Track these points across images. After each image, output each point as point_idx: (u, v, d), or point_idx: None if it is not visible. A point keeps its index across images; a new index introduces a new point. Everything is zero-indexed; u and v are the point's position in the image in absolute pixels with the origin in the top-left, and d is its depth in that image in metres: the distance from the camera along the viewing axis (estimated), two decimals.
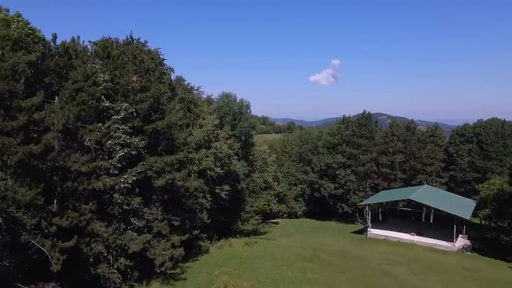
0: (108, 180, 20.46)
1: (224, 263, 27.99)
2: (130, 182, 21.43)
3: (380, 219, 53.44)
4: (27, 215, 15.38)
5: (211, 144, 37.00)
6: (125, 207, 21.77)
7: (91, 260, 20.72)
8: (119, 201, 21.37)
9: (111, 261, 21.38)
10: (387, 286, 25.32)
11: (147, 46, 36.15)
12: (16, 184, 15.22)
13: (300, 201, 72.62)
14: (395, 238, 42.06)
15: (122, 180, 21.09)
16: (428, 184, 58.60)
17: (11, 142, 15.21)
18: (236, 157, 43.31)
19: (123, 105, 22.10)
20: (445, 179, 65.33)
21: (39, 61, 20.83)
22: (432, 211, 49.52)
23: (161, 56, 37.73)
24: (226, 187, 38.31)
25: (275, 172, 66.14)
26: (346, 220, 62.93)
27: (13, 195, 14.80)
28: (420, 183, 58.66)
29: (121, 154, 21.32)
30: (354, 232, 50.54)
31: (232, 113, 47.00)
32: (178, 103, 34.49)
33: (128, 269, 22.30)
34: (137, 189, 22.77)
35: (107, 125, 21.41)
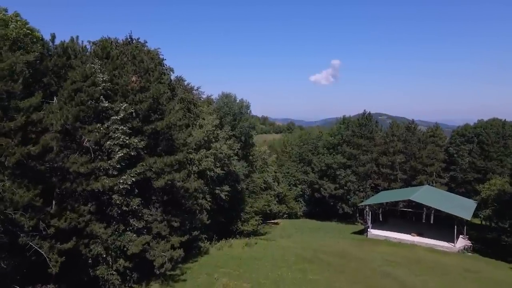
0: (107, 181, 20.30)
1: (224, 264, 27.88)
2: (129, 183, 21.30)
3: (381, 219, 53.37)
4: (24, 217, 15.23)
5: (211, 144, 36.87)
6: (124, 208, 21.64)
7: (90, 261, 20.57)
8: (118, 202, 21.23)
9: (110, 263, 21.25)
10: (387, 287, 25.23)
11: (147, 46, 36.04)
12: (14, 186, 15.06)
13: (300, 201, 72.51)
14: (395, 238, 41.96)
15: (121, 181, 20.96)
16: (429, 184, 58.49)
17: (9, 143, 15.07)
18: (236, 157, 43.18)
19: (122, 106, 21.96)
20: (445, 179, 65.21)
21: (38, 61, 20.67)
22: (433, 211, 49.45)
23: (161, 56, 37.65)
24: (226, 188, 38.16)
25: (275, 172, 66.01)
26: (347, 220, 62.83)
27: (10, 197, 14.65)
28: (421, 184, 58.54)
29: (120, 154, 21.18)
30: (355, 233, 50.44)
31: (232, 113, 46.88)
32: (177, 103, 34.35)
33: (127, 271, 22.17)
34: (136, 190, 22.64)
35: (106, 125, 21.27)
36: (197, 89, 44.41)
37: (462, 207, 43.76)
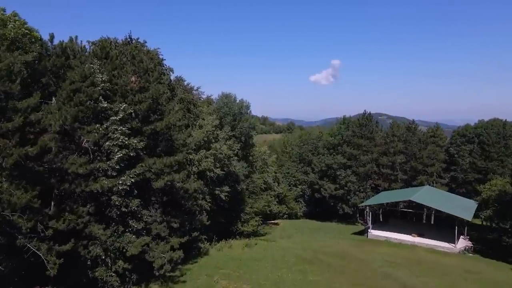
0: (106, 182, 20.16)
1: (224, 265, 27.75)
2: (128, 184, 21.15)
3: (381, 220, 53.25)
4: (22, 218, 15.10)
5: (211, 145, 36.73)
6: (124, 209, 21.48)
7: (88, 263, 20.44)
8: (117, 203, 21.08)
9: (109, 264, 21.12)
10: None
11: (146, 46, 35.88)
12: (12, 187, 14.93)
13: (300, 201, 72.37)
14: (396, 239, 41.84)
15: (120, 182, 20.80)
16: (429, 185, 58.40)
17: (7, 144, 14.93)
18: (236, 158, 43.06)
19: (121, 106, 21.81)
20: (446, 180, 65.10)
21: (36, 62, 20.54)
22: (433, 212, 49.33)
23: (161, 56, 37.50)
24: (226, 188, 38.01)
25: (275, 172, 65.87)
26: (347, 221, 62.70)
27: (8, 198, 14.52)
28: (421, 184, 58.44)
29: (119, 155, 21.03)
30: (355, 233, 50.31)
31: (232, 113, 46.74)
32: (177, 103, 34.21)
33: (127, 272, 22.00)
34: (135, 191, 22.47)
35: (105, 126, 21.11)
36: (197, 89, 44.35)
37: (463, 208, 43.63)
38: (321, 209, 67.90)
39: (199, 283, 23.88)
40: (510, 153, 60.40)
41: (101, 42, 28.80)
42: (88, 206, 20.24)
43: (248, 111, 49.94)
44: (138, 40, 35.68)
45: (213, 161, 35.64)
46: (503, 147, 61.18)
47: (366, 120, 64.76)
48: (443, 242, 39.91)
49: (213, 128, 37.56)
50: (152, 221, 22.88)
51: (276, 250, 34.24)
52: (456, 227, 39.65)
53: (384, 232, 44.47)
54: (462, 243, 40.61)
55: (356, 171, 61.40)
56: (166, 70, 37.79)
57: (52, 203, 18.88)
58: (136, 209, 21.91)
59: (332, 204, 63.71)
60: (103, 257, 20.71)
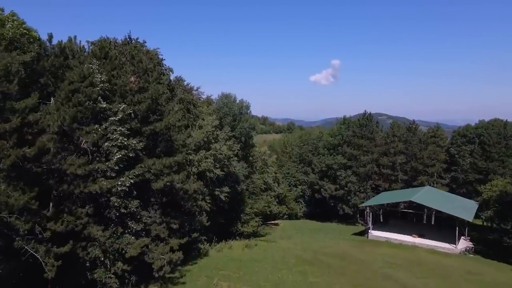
0: (105, 183, 20.04)
1: (224, 266, 27.59)
2: (127, 185, 21.03)
3: (381, 220, 53.09)
4: (20, 220, 14.96)
5: (211, 145, 36.60)
6: (123, 210, 21.37)
7: (87, 265, 20.38)
8: (116, 204, 20.96)
9: (108, 266, 21.04)
10: None
11: (146, 46, 35.80)
12: (9, 188, 14.78)
13: (301, 202, 72.28)
14: (396, 240, 41.66)
15: (119, 183, 20.69)
16: (430, 185, 58.24)
17: (4, 144, 14.78)
18: (236, 158, 42.95)
19: (120, 106, 21.68)
20: (446, 180, 64.96)
21: (35, 62, 20.39)
22: (434, 212, 49.17)
23: (160, 56, 37.42)
24: (226, 189, 37.90)
25: (275, 173, 65.79)
26: (347, 221, 62.58)
27: (5, 200, 14.38)
28: (422, 184, 58.29)
29: (118, 156, 20.91)
30: (355, 234, 50.15)
31: (232, 114, 46.63)
32: (177, 104, 34.10)
33: (126, 274, 21.91)
34: (135, 192, 22.36)
35: (104, 126, 21.00)
36: (196, 90, 44.25)
37: (464, 208, 43.47)
38: (321, 209, 67.78)
39: (199, 285, 23.71)
40: (511, 153, 60.25)
41: (100, 42, 28.67)
42: (87, 207, 20.13)
43: (248, 111, 49.88)
44: (138, 40, 35.60)
45: (213, 161, 35.52)
46: (504, 147, 61.04)
47: (366, 120, 64.61)
48: (443, 243, 39.75)
49: (213, 129, 37.44)
50: (151, 222, 22.75)
51: (276, 251, 34.08)
52: (457, 227, 39.46)
53: (385, 232, 44.30)
54: (463, 243, 40.43)
55: (357, 172, 61.25)
56: (165, 70, 37.70)
57: (51, 204, 18.75)
58: (135, 210, 21.79)
59: (332, 204, 63.58)
60: (102, 258, 20.63)
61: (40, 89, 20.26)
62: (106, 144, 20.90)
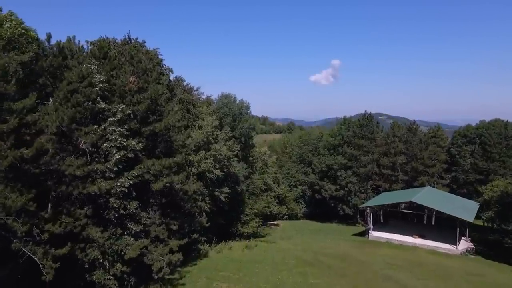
0: (104, 184, 19.88)
1: (224, 267, 27.47)
2: (126, 185, 20.86)
3: (382, 221, 52.94)
4: (17, 222, 14.80)
5: (211, 146, 36.46)
6: (122, 211, 21.18)
7: (86, 266, 20.21)
8: (115, 205, 20.77)
9: (107, 267, 20.87)
10: None
11: (145, 46, 35.66)
12: (7, 190, 14.64)
13: (301, 202, 72.13)
14: (397, 240, 41.52)
15: (118, 184, 20.51)
16: (430, 185, 58.11)
17: (1, 145, 14.64)
18: (235, 158, 42.79)
19: (119, 107, 21.52)
20: (447, 180, 64.84)
21: (33, 62, 20.23)
22: (434, 213, 49.00)
23: (160, 56, 37.28)
24: (226, 190, 37.75)
25: (275, 173, 65.65)
26: (347, 222, 62.43)
27: (3, 202, 14.23)
28: (422, 185, 58.18)
29: (117, 157, 20.74)
30: (355, 235, 50.00)
31: (231, 114, 46.49)
32: (176, 104, 33.95)
33: (125, 275, 21.73)
34: (134, 193, 22.20)
35: (103, 127, 20.82)
36: (196, 90, 44.10)
37: (464, 209, 43.35)
38: (321, 210, 67.62)
39: (199, 286, 23.59)
40: None
41: (99, 42, 28.52)
42: (85, 209, 19.99)
43: (248, 111, 49.73)
44: (137, 40, 35.48)
45: (212, 162, 35.37)
46: (504, 147, 60.90)
47: (366, 121, 64.46)
48: (444, 244, 39.61)
49: (213, 129, 37.29)
50: (150, 223, 22.60)
51: (276, 252, 33.95)
52: (458, 228, 39.33)
53: (385, 233, 44.17)
54: (464, 244, 40.30)
55: (357, 172, 61.10)
56: (165, 70, 37.55)
57: (49, 206, 18.60)
58: (134, 211, 21.62)
59: (332, 205, 63.44)
60: (101, 260, 20.47)
61: (38, 90, 20.10)
62: (105, 144, 20.73)
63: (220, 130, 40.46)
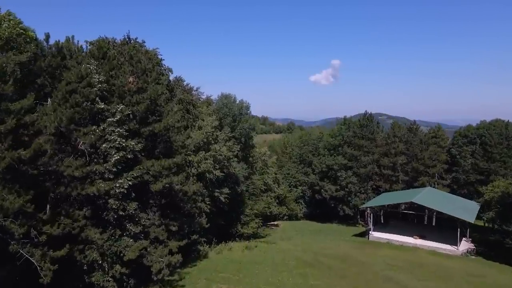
0: (103, 185, 19.74)
1: (223, 268, 27.33)
2: (126, 186, 20.72)
3: (382, 221, 52.81)
4: (15, 224, 14.66)
5: (210, 146, 36.33)
6: (121, 212, 21.04)
7: (85, 268, 20.05)
8: (114, 206, 20.63)
9: (106, 269, 20.73)
10: None
11: (145, 46, 35.54)
12: (4, 191, 14.50)
13: (301, 203, 72.00)
14: (397, 241, 41.39)
15: (117, 185, 20.38)
16: (431, 186, 57.96)
17: None
18: (235, 159, 42.65)
19: (118, 107, 21.40)
20: (448, 181, 64.68)
21: (32, 62, 20.09)
22: (435, 213, 48.87)
23: (159, 56, 37.15)
24: (226, 190, 37.62)
25: (275, 174, 65.49)
26: (348, 222, 62.27)
27: (0, 203, 14.08)
28: (423, 185, 58.03)
29: (116, 157, 20.59)
30: (356, 235, 49.83)
31: (231, 114, 46.35)
32: (176, 104, 33.83)
33: (124, 277, 21.62)
34: (133, 194, 22.07)
35: (102, 127, 20.69)
36: (196, 90, 44.00)
37: (465, 209, 43.20)
38: (321, 210, 67.48)
39: (198, 287, 23.44)
40: None
41: (99, 42, 28.35)
42: (84, 210, 19.87)
43: (248, 111, 49.60)
44: (137, 40, 35.37)
45: (212, 162, 35.24)
46: (505, 148, 60.76)
47: (367, 121, 64.32)
48: (445, 244, 39.47)
49: (213, 129, 37.17)
50: (150, 224, 22.45)
51: (277, 253, 33.81)
52: (458, 229, 39.18)
53: (385, 234, 44.01)
54: (465, 245, 40.16)
55: (357, 172, 60.96)
56: (165, 70, 37.43)
57: (48, 207, 18.46)
58: (133, 212, 21.48)
59: (332, 205, 63.29)
60: (100, 261, 20.31)
61: (36, 90, 19.94)
62: (104, 145, 20.60)
63: (220, 131, 40.33)
